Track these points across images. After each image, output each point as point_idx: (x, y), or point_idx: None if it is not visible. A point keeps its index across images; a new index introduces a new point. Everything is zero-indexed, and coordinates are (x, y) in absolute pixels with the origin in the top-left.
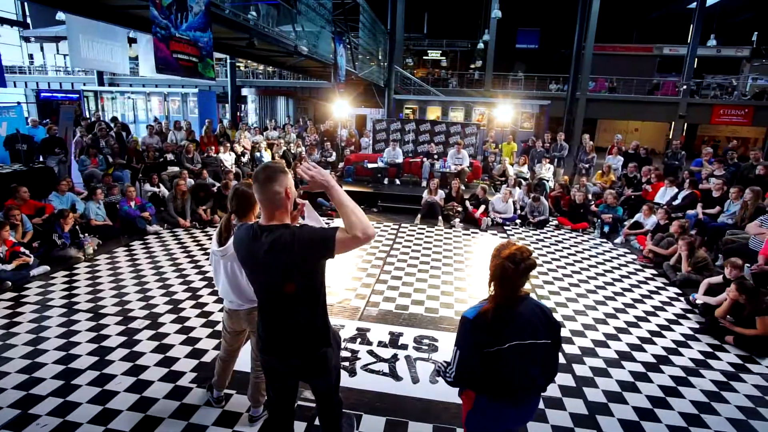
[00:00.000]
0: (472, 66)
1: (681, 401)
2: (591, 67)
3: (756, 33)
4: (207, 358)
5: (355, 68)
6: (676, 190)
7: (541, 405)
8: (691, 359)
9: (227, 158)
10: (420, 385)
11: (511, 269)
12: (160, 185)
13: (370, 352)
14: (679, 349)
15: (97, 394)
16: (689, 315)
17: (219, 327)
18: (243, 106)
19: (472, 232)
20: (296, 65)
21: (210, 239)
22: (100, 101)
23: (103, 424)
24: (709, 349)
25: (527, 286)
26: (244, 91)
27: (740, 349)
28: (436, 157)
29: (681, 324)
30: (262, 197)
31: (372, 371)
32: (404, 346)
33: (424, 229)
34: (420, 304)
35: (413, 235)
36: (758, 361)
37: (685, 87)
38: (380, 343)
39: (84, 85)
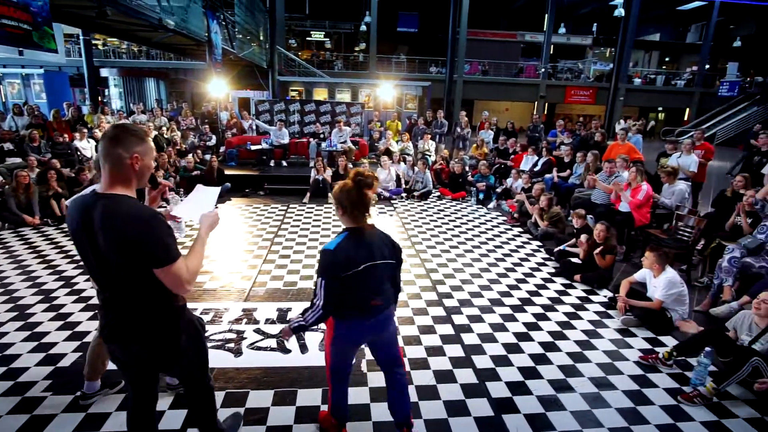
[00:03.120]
0: (357, 48)
1: (540, 333)
2: (465, 51)
3: (596, 24)
4: (64, 362)
5: (233, 47)
6: (537, 157)
7: (424, 354)
8: (549, 298)
9: (85, 146)
10: (309, 355)
11: (352, 180)
12: None
13: (257, 330)
14: (540, 291)
15: None
16: (548, 262)
17: (81, 327)
18: (106, 90)
19: None
20: (166, 42)
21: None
22: None
23: None
24: (562, 288)
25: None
26: (104, 72)
27: (585, 285)
28: (322, 136)
29: (541, 270)
30: (102, 158)
31: (259, 348)
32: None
33: (313, 207)
34: (309, 279)
35: (302, 214)
36: (597, 292)
37: (543, 70)
38: (268, 321)
39: None
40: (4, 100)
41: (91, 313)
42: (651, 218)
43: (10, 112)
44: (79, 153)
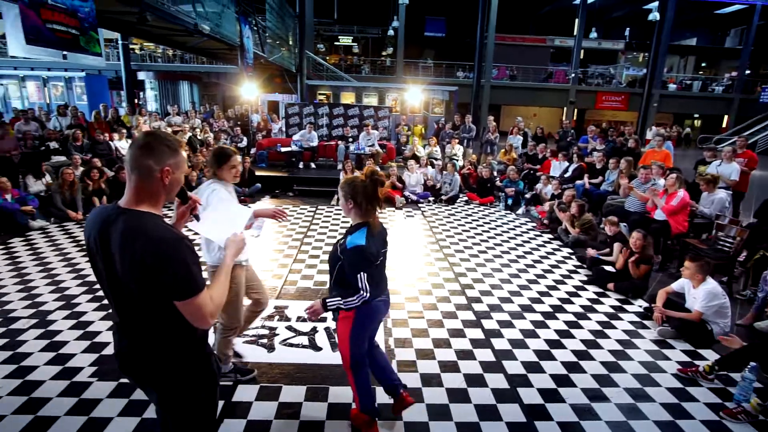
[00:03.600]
0: (384, 53)
1: (572, 341)
2: (493, 55)
3: (628, 28)
4: (108, 350)
5: (263, 52)
6: (567, 163)
7: (454, 357)
8: (581, 306)
9: (124, 146)
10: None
11: (368, 178)
12: (44, 176)
13: (289, 327)
14: (571, 298)
15: None
16: (579, 270)
17: None
18: (142, 93)
19: (387, 211)
20: (200, 47)
21: None
22: None
23: None
24: (595, 296)
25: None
26: (141, 75)
27: (619, 294)
28: (350, 139)
29: (572, 278)
30: (129, 168)
31: (291, 345)
32: (323, 319)
33: (341, 209)
34: None
35: (330, 216)
36: (632, 302)
37: (573, 75)
38: (299, 318)
39: None
40: (48, 102)
41: None
42: (689, 227)
43: (55, 113)
44: (118, 152)
